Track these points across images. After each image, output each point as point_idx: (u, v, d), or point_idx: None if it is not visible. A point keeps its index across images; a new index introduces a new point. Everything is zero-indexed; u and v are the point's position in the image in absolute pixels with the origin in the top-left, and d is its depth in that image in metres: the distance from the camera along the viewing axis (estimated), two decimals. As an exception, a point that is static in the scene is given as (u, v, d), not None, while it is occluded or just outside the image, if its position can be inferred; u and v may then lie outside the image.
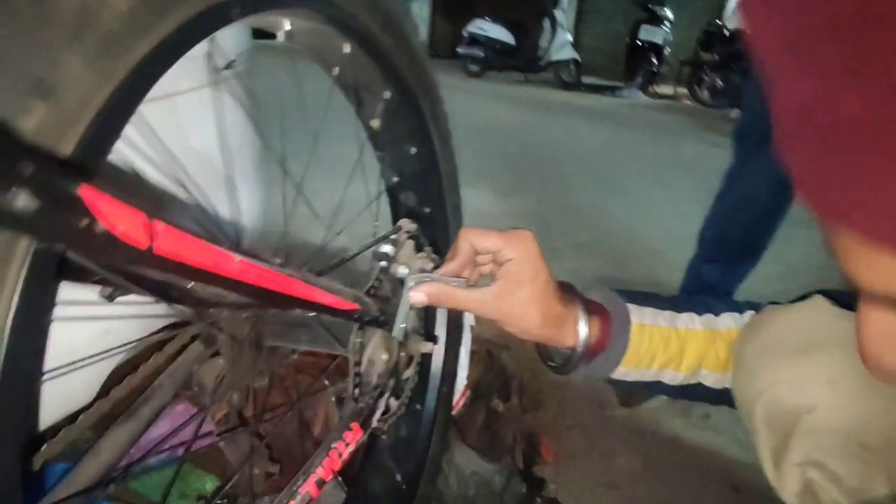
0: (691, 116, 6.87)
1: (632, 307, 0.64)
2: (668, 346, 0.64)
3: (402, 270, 0.59)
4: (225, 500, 0.78)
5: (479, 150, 3.65)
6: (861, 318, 0.31)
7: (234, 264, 0.37)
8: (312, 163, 0.91)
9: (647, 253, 2.36)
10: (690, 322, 0.66)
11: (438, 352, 1.03)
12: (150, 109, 0.56)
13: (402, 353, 0.62)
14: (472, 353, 1.33)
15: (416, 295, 0.53)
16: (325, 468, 0.48)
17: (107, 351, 0.58)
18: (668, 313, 0.66)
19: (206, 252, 0.34)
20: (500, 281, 0.55)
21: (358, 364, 0.56)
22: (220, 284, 0.37)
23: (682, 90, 8.21)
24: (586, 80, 8.74)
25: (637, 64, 8.38)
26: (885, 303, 0.28)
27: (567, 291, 0.63)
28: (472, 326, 1.38)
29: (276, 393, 0.77)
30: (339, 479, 0.89)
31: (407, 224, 0.60)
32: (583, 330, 0.60)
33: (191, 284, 0.35)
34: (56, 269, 0.36)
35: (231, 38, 0.85)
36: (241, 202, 0.86)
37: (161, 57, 0.38)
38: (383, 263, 0.58)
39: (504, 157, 3.82)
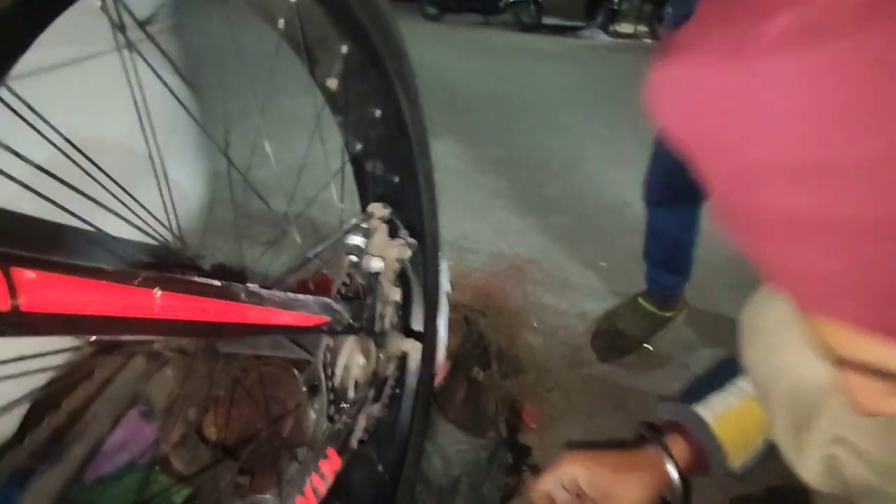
0: (655, 54, 6.78)
1: (699, 408, 0.67)
2: (753, 416, 0.65)
3: (375, 264, 0.50)
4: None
5: (441, 101, 3.49)
6: (840, 375, 0.31)
7: (153, 302, 0.27)
8: (264, 125, 0.79)
9: (616, 204, 2.32)
10: None
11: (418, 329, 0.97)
12: (39, 86, 0.44)
13: (382, 356, 0.55)
14: (450, 323, 1.27)
15: None
16: (303, 502, 0.40)
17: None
18: (732, 388, 0.68)
19: (107, 295, 0.25)
20: (600, 499, 0.63)
21: (330, 375, 0.48)
22: (137, 331, 0.27)
23: (643, 28, 8.08)
24: (547, 20, 8.47)
25: (597, 2, 8.15)
26: (861, 370, 0.28)
27: (639, 443, 0.68)
28: (448, 293, 1.31)
29: (242, 400, 0.69)
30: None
31: (379, 209, 0.51)
32: (674, 475, 0.65)
33: (93, 338, 0.26)
34: None
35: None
36: (180, 194, 0.74)
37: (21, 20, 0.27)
38: (354, 258, 0.49)
39: (467, 106, 3.68)
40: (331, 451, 0.44)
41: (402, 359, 0.66)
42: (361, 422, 0.48)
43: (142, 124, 0.50)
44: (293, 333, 0.39)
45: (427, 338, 0.89)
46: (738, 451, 0.66)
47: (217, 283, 0.32)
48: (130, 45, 0.53)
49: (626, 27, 8.45)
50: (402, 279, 0.59)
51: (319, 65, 0.73)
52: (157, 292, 0.28)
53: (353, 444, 0.47)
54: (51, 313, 0.22)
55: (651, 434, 0.68)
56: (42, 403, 0.57)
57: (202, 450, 0.62)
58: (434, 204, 1.02)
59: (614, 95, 4.37)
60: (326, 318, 0.41)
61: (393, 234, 0.56)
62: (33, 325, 0.22)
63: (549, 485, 0.65)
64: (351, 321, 0.45)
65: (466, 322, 1.35)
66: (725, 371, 0.70)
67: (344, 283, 0.50)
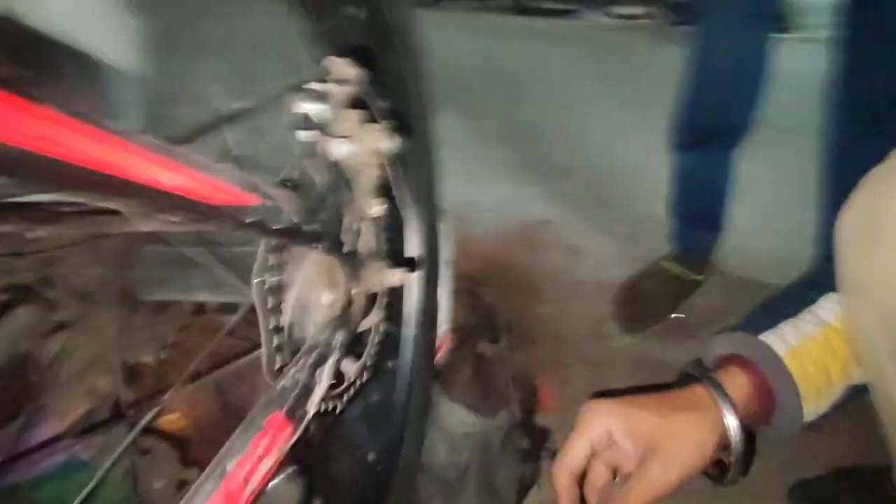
0: (655, 35, 6.70)
1: (769, 337, 0.52)
2: (833, 349, 0.51)
3: (341, 148, 0.34)
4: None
5: (441, 80, 3.33)
6: None
7: None
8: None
9: (626, 171, 2.18)
10: (835, 304, 0.53)
11: (412, 289, 0.81)
12: None
13: (355, 291, 0.39)
14: (453, 293, 1.12)
15: None
16: (224, 498, 0.25)
17: None
18: (808, 315, 0.53)
19: None
20: (639, 454, 0.48)
21: (275, 315, 0.32)
22: None
23: (642, 9, 7.91)
24: (545, 3, 8.30)
25: (597, -19, 7.98)
26: None
27: (694, 383, 0.51)
28: (450, 262, 1.16)
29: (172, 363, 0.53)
30: (293, 467, 0.67)
31: (341, 67, 0.34)
32: (729, 420, 0.49)
33: None
34: None
35: None
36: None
37: None
38: (304, 135, 0.33)
39: (467, 85, 3.54)
40: (274, 418, 0.29)
41: (391, 304, 0.50)
42: (321, 380, 0.33)
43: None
44: (189, 212, 0.23)
45: (426, 279, 0.73)
46: (814, 394, 0.51)
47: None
48: None
49: (625, 9, 8.28)
50: (384, 189, 0.43)
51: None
52: None
53: (310, 408, 0.31)
54: None
55: (700, 372, 0.52)
56: None
57: (120, 431, 0.46)
58: (429, 150, 0.87)
59: (617, 73, 4.25)
60: (252, 199, 0.25)
61: (371, 120, 0.40)
62: None
63: (577, 454, 0.49)
64: (294, 221, 0.29)
65: (472, 293, 1.20)
66: (797, 298, 0.56)
67: (293, 173, 0.33)
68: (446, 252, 1.17)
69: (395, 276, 0.42)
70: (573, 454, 0.49)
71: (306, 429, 0.70)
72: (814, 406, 0.51)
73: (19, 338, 0.43)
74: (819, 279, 0.56)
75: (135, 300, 0.44)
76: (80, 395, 0.43)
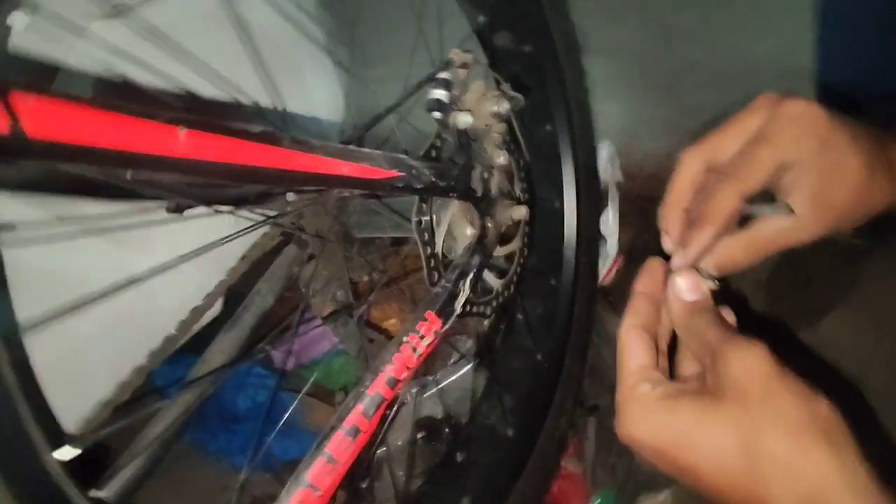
0: None
1: None
2: None
3: (463, 120, 0.45)
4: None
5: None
6: None
7: (178, 140, 0.28)
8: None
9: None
10: None
11: (570, 216, 0.89)
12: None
13: (489, 224, 0.51)
14: (623, 216, 1.15)
15: (685, 290, 0.36)
16: (396, 365, 0.41)
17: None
18: None
19: (119, 129, 0.26)
20: (796, 181, 0.35)
21: (428, 243, 0.46)
22: (170, 169, 0.29)
23: None
24: None
25: None
26: None
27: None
28: (619, 183, 1.18)
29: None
30: (480, 361, 0.86)
31: (459, 56, 0.45)
32: None
33: (129, 174, 0.28)
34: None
35: None
36: (314, 87, 0.77)
37: None
38: (438, 115, 0.45)
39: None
40: (429, 314, 0.44)
41: (528, 232, 0.61)
42: (463, 288, 0.46)
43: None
44: (363, 188, 0.38)
45: (579, 206, 0.81)
46: None
47: (256, 128, 0.32)
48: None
49: None
50: (513, 141, 0.53)
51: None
52: (182, 131, 0.28)
53: (457, 308, 0.46)
54: (61, 143, 0.24)
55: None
56: (234, 286, 0.69)
57: (352, 325, 0.68)
58: (579, 72, 0.90)
59: None
60: (397, 172, 0.39)
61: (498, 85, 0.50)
62: (47, 151, 0.24)
63: (731, 144, 0.37)
64: (434, 180, 0.42)
65: (643, 213, 1.20)
66: None
67: (433, 146, 0.46)
68: (613, 175, 1.20)
69: (520, 211, 0.53)
70: (723, 139, 0.38)
71: (490, 331, 0.87)
72: None
73: (289, 266, 0.67)
74: None
75: (352, 237, 0.63)
76: (326, 301, 0.65)
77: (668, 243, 0.39)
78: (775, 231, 0.37)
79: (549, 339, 0.86)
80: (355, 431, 0.39)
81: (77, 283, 0.41)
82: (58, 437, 0.30)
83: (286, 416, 0.82)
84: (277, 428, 0.77)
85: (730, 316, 0.37)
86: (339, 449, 0.38)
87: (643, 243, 1.16)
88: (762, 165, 0.36)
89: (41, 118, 0.23)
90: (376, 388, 0.40)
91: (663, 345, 0.38)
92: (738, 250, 0.37)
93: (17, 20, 0.38)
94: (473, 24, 0.79)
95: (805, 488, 0.28)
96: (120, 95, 0.42)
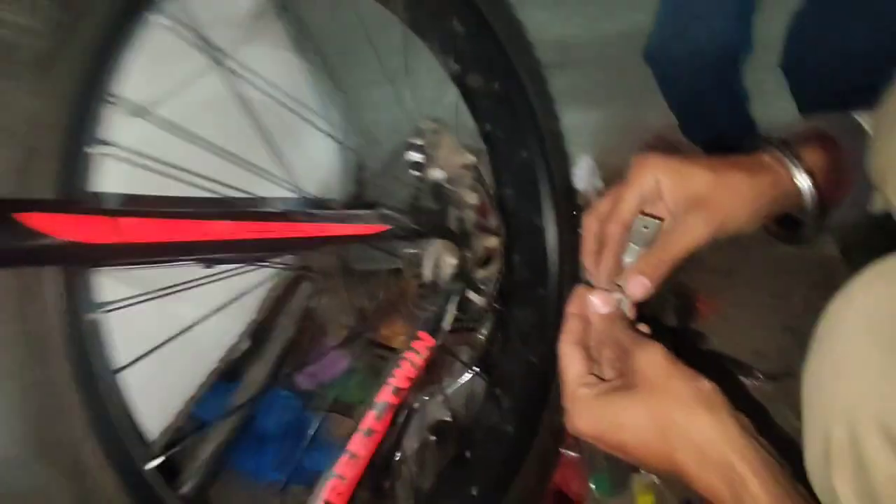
0: None
1: (862, 114, 0.49)
2: None
3: (436, 174, 0.56)
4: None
5: None
6: None
7: (225, 229, 0.39)
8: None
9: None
10: None
11: (551, 231, 0.99)
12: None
13: (468, 254, 0.62)
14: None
15: (637, 288, 0.46)
16: (398, 378, 0.52)
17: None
18: None
19: (186, 227, 0.37)
20: (676, 207, 0.47)
21: (416, 276, 0.57)
22: (220, 250, 0.40)
23: None
24: None
25: None
26: None
27: (763, 147, 0.49)
28: (599, 191, 1.29)
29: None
30: (478, 369, 0.96)
31: (427, 124, 0.56)
32: (801, 181, 0.47)
33: (191, 259, 0.39)
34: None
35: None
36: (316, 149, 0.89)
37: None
38: (416, 173, 0.56)
39: None
40: (422, 334, 0.54)
41: (505, 255, 0.71)
42: (449, 309, 0.57)
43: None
44: (358, 241, 0.49)
45: (558, 224, 0.90)
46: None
47: (276, 209, 0.44)
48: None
49: None
50: (479, 184, 0.64)
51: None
52: (227, 222, 0.39)
53: (445, 326, 0.56)
54: (147, 243, 0.35)
55: (774, 142, 0.49)
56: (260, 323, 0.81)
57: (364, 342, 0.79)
58: (547, 101, 1.00)
59: None
60: (385, 227, 0.50)
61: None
62: (139, 251, 0.35)
63: (628, 205, 0.47)
64: (415, 227, 0.53)
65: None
66: None
67: (415, 196, 0.57)
68: (595, 185, 1.31)
69: (492, 241, 0.64)
70: (624, 207, 0.48)
71: (489, 343, 0.97)
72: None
73: (304, 300, 0.78)
74: None
75: (353, 271, 0.74)
76: (341, 327, 0.76)
77: (588, 275, 0.51)
78: (669, 237, 0.47)
79: (541, 342, 0.96)
80: (370, 432, 0.49)
81: (142, 333, 0.52)
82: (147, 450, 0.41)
83: (313, 432, 0.92)
84: (306, 443, 0.87)
85: (644, 328, 0.47)
86: (358, 446, 0.48)
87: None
88: (626, 201, 0.48)
89: (136, 230, 0.35)
90: (383, 397, 0.51)
91: (595, 354, 0.47)
92: (649, 260, 0.47)
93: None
94: (447, 70, 0.90)
95: (696, 445, 0.38)
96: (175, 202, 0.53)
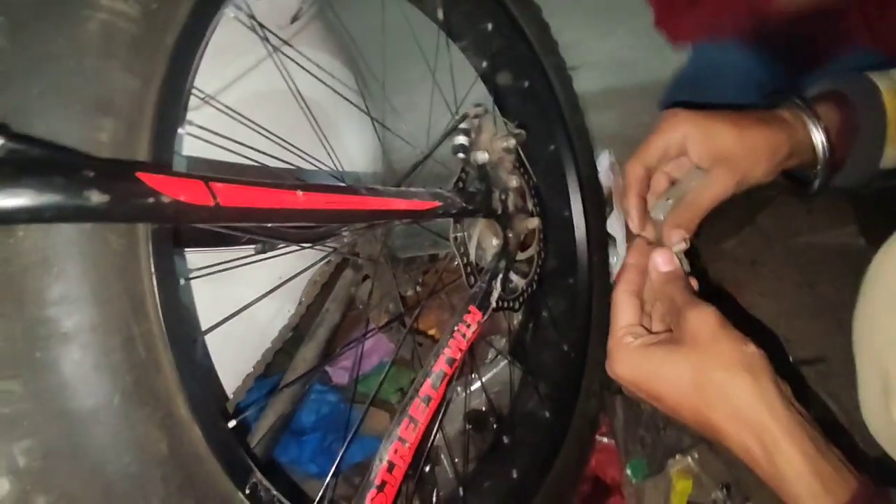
0: None
1: (876, 73, 0.52)
2: None
3: (481, 157, 0.59)
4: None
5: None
6: None
7: (298, 198, 0.42)
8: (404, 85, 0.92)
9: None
10: None
11: (579, 222, 1.02)
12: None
13: (510, 234, 0.64)
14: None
15: (676, 239, 0.50)
16: (452, 348, 0.54)
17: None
18: None
19: (268, 195, 0.40)
20: (698, 162, 0.51)
21: (464, 254, 0.60)
22: (294, 217, 0.43)
23: None
24: None
25: None
26: None
27: (783, 103, 0.54)
28: (620, 186, 1.30)
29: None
30: (512, 358, 0.98)
31: (472, 109, 0.59)
32: (816, 135, 0.51)
33: (270, 224, 0.42)
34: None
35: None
36: (352, 140, 0.92)
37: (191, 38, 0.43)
38: (462, 155, 0.59)
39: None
40: (472, 307, 0.57)
41: (543, 238, 0.74)
42: (496, 286, 0.59)
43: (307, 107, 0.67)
44: (414, 216, 0.52)
45: (587, 215, 0.93)
46: None
47: (342, 184, 0.46)
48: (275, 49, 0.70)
49: None
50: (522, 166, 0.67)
51: (424, 1, 0.83)
52: (300, 192, 0.42)
53: (492, 302, 0.59)
54: (241, 207, 0.38)
55: (794, 100, 0.53)
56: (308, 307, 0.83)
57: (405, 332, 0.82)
58: (571, 96, 1.03)
59: None
60: (437, 203, 0.53)
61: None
62: (234, 214, 0.38)
63: (652, 152, 0.52)
64: (464, 205, 0.56)
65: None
66: None
67: (461, 179, 0.60)
68: (615, 181, 1.32)
69: (533, 222, 0.66)
70: (649, 151, 0.52)
71: (521, 330, 0.98)
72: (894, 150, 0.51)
73: (348, 286, 0.80)
74: None
75: (397, 258, 0.76)
76: (381, 314, 0.79)
77: (633, 226, 0.54)
78: (698, 191, 0.51)
79: (572, 331, 0.97)
80: (427, 399, 0.51)
81: (202, 309, 0.55)
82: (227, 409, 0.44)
83: (356, 425, 0.94)
84: (351, 436, 0.90)
85: (694, 283, 0.49)
86: (417, 412, 0.51)
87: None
88: (651, 147, 0.52)
89: (227, 195, 0.38)
90: (440, 366, 0.53)
91: (648, 307, 0.50)
92: (682, 213, 0.51)
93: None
94: (479, 69, 0.94)
95: (733, 406, 0.40)
96: (254, 174, 0.56)
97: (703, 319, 0.43)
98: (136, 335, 0.38)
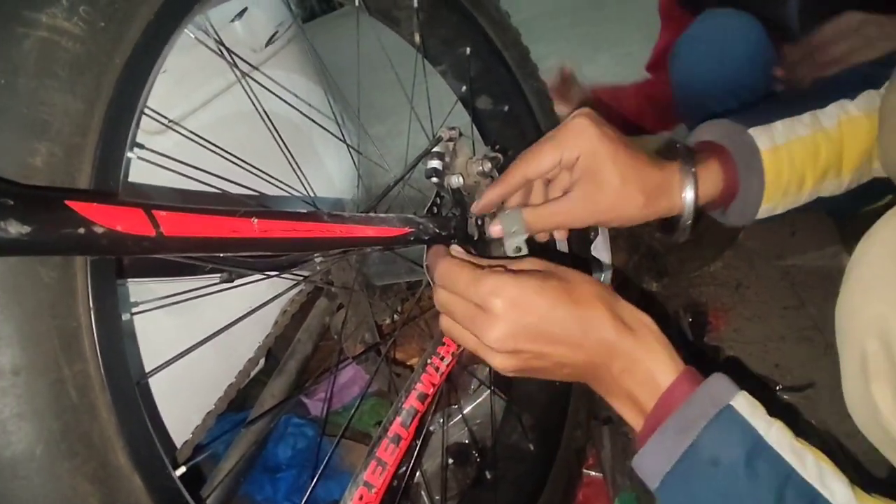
0: None
1: (757, 131, 0.53)
2: (817, 155, 0.52)
3: (455, 181, 0.57)
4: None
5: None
6: None
7: (252, 226, 0.39)
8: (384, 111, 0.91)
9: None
10: (841, 111, 0.54)
11: (562, 247, 1.00)
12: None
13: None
14: (613, 239, 1.25)
15: (494, 228, 0.52)
16: (424, 383, 0.51)
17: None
18: (807, 117, 0.54)
19: (219, 223, 0.37)
20: (580, 180, 0.50)
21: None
22: (250, 247, 0.40)
23: None
24: None
25: None
26: None
27: (667, 150, 0.55)
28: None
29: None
30: (496, 390, 0.94)
31: (446, 132, 0.57)
32: (688, 194, 0.52)
33: (223, 255, 0.39)
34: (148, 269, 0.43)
35: (265, 12, 0.87)
36: (332, 165, 0.90)
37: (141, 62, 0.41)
38: (435, 179, 0.57)
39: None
40: (446, 339, 0.54)
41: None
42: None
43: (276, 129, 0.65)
44: (381, 244, 0.49)
45: (562, 246, 0.91)
46: (778, 194, 0.53)
47: (302, 210, 0.44)
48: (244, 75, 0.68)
49: None
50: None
51: (401, 24, 0.82)
52: (255, 220, 0.40)
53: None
54: (186, 237, 0.36)
55: (682, 149, 0.54)
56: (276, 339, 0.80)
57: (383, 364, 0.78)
58: (552, 120, 1.03)
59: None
60: (408, 229, 0.50)
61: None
62: (178, 244, 0.35)
63: (544, 163, 0.50)
64: (438, 231, 0.53)
65: (632, 236, 1.31)
66: (813, 95, 0.56)
67: (434, 203, 0.58)
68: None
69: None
70: (540, 163, 0.51)
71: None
72: (772, 205, 0.54)
73: (322, 316, 0.77)
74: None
75: (373, 285, 0.73)
76: (356, 344, 0.75)
77: (474, 208, 0.56)
78: (552, 209, 0.51)
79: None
80: (397, 439, 0.48)
81: (160, 348, 0.51)
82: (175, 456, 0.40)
83: (326, 459, 0.90)
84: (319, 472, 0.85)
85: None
86: (385, 454, 0.47)
87: (635, 263, 1.26)
88: (543, 161, 0.51)
89: (171, 223, 0.35)
90: (410, 402, 0.50)
91: None
92: (537, 212, 0.52)
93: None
94: (458, 93, 0.93)
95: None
96: (206, 201, 0.54)
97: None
98: (67, 377, 0.34)
